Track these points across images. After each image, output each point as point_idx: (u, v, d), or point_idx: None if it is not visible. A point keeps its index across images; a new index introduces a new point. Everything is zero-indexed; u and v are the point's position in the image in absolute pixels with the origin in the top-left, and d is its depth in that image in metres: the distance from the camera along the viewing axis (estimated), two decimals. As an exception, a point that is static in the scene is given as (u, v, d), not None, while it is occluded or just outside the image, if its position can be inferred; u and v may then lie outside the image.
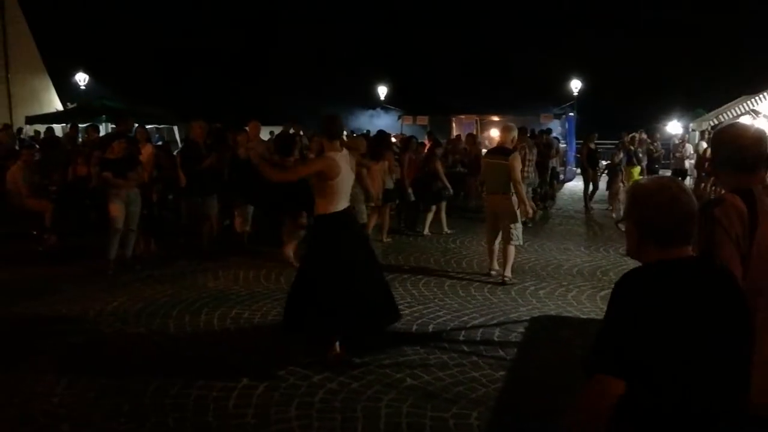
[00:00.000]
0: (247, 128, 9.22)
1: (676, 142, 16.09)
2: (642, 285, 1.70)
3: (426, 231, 9.87)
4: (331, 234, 4.81)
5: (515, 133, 7.52)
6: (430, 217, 10.00)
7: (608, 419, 1.62)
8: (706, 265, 1.92)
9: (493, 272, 7.31)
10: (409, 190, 10.08)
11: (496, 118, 20.67)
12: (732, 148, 2.25)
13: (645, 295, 1.66)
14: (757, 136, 2.25)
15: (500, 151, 7.13)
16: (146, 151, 8.53)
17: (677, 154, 14.34)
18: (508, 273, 7.02)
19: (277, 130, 22.28)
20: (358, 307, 4.75)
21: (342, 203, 4.82)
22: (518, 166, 6.97)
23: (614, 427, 1.63)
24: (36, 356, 4.74)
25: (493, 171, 7.07)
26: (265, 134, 14.46)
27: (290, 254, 7.63)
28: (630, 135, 15.40)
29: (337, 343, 4.72)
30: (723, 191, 2.30)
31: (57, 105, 23.68)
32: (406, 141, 11.29)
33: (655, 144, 16.20)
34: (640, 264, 1.80)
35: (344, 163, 4.76)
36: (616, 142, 15.08)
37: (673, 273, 1.71)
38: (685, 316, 1.64)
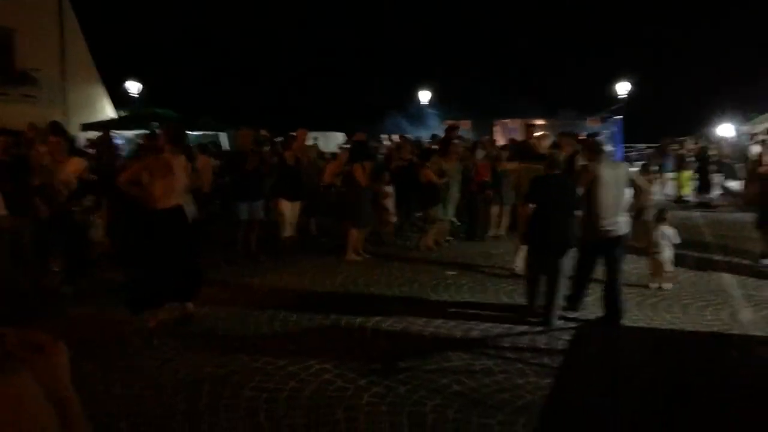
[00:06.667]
0: (294, 134, 9.45)
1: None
2: (539, 179, 6.01)
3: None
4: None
5: (549, 142, 7.72)
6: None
7: (530, 219, 6.01)
8: (558, 177, 5.92)
9: (516, 269, 7.56)
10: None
11: (541, 122, 20.43)
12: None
13: (537, 182, 5.97)
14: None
15: (536, 156, 7.35)
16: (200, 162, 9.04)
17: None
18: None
19: (322, 135, 22.61)
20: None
21: None
22: None
23: (531, 222, 5.99)
24: (93, 357, 4.95)
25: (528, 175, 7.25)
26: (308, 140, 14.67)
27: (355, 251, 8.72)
28: (678, 140, 15.06)
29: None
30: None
31: (110, 113, 24.46)
32: (474, 145, 10.88)
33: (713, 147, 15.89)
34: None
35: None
36: (655, 146, 14.61)
37: (548, 176, 5.95)
38: (544, 187, 5.89)
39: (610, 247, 5.76)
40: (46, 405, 1.14)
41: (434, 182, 9.17)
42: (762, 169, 8.74)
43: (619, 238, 5.79)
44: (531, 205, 5.97)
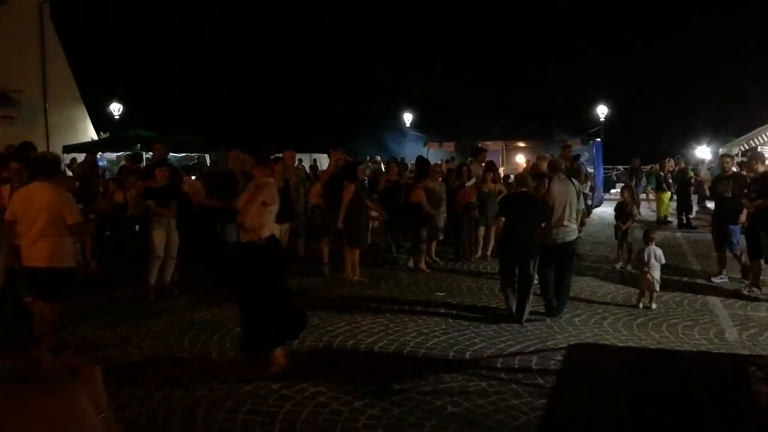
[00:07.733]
0: (280, 155, 9.48)
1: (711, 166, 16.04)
2: (508, 196, 7.73)
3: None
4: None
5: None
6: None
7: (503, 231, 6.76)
8: (525, 194, 6.82)
9: None
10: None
11: (522, 144, 20.65)
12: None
13: (507, 199, 7.30)
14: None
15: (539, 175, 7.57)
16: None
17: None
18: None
19: (305, 157, 22.64)
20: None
21: None
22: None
23: (500, 234, 6.82)
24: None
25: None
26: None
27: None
28: (660, 161, 15.31)
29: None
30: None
31: (92, 134, 24.33)
32: (458, 169, 10.82)
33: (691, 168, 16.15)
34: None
35: None
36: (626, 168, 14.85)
37: (516, 194, 7.02)
38: (512, 203, 6.89)
39: (562, 251, 6.84)
40: (98, 420, 1.15)
41: (424, 203, 9.36)
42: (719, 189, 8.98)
43: (569, 243, 6.92)
44: (502, 219, 6.79)
